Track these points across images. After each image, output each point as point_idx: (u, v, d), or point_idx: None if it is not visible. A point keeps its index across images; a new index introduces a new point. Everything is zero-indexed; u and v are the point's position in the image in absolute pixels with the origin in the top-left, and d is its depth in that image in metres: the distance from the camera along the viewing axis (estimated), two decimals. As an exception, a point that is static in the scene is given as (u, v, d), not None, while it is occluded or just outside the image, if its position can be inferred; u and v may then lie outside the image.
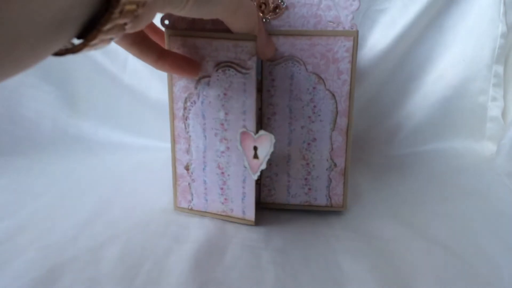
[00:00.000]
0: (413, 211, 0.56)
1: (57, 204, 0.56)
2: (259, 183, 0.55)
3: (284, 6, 0.49)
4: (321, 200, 0.55)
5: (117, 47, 0.71)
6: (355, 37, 0.48)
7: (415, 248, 0.48)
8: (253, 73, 0.46)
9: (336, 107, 0.51)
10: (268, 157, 0.48)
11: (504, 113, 0.73)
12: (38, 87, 0.75)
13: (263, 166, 0.48)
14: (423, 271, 0.44)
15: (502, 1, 0.69)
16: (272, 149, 0.47)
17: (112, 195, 0.58)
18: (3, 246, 0.47)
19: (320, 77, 0.50)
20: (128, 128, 0.76)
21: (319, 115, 0.52)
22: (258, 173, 0.48)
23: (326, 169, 0.53)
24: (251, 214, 0.51)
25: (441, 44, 0.72)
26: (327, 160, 0.53)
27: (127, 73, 0.75)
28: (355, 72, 0.50)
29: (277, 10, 0.49)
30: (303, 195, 0.55)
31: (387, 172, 0.67)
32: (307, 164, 0.54)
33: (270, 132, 0.49)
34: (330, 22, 0.48)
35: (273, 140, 0.47)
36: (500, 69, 0.72)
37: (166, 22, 0.47)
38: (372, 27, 0.71)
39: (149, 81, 0.74)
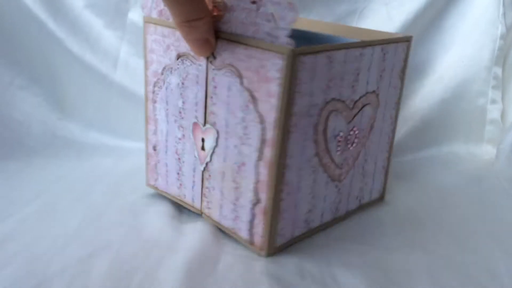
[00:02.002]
0: (412, 219, 0.54)
1: (47, 211, 0.54)
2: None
3: (223, 7, 0.43)
4: (244, 233, 0.48)
5: (106, 46, 0.71)
6: (289, 56, 0.40)
7: (414, 259, 0.47)
8: (204, 66, 0.46)
9: (264, 134, 0.43)
10: (211, 151, 0.48)
11: (503, 116, 0.72)
12: (27, 89, 0.73)
13: (208, 159, 0.49)
14: (421, 282, 0.43)
15: (502, 2, 0.68)
16: (215, 144, 0.47)
17: (104, 201, 0.56)
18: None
19: (253, 95, 0.43)
20: (120, 130, 0.74)
21: (249, 138, 0.44)
22: (204, 165, 0.49)
23: (250, 202, 0.46)
24: (198, 203, 0.52)
25: (440, 45, 0.71)
26: (252, 191, 0.46)
27: (118, 73, 0.73)
28: (288, 102, 0.41)
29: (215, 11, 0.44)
30: (231, 220, 0.49)
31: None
32: (237, 188, 0.47)
33: None
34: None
35: (216, 135, 0.47)
36: (499, 71, 0.71)
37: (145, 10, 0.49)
38: (369, 27, 0.69)
39: (141, 80, 0.72)
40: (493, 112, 0.72)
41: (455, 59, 0.71)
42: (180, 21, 0.36)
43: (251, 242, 0.48)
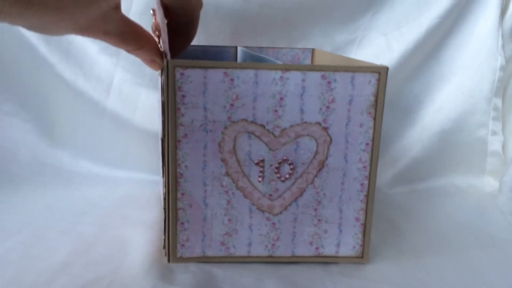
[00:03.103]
0: (415, 254, 0.53)
1: (32, 243, 0.51)
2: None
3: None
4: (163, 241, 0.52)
5: (99, 72, 0.70)
6: (164, 68, 0.44)
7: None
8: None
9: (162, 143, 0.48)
10: None
11: (504, 148, 0.71)
12: (16, 115, 0.71)
13: None
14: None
15: (500, 33, 0.68)
16: None
17: (94, 233, 0.54)
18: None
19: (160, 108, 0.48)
20: (112, 159, 0.72)
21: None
22: None
23: (162, 209, 0.50)
24: None
25: (439, 76, 0.71)
26: (163, 200, 0.50)
27: (110, 100, 0.71)
28: (173, 113, 0.45)
29: (157, 32, 0.48)
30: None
31: (383, 211, 0.64)
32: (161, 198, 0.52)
33: None
34: None
35: None
36: (499, 102, 0.70)
37: None
38: (367, 57, 0.69)
39: (134, 108, 0.71)
40: (494, 144, 0.71)
41: (454, 90, 0.70)
42: (127, 51, 0.42)
43: (164, 247, 0.50)
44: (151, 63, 0.45)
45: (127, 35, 0.40)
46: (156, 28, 0.47)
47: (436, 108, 0.71)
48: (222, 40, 0.69)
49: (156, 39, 0.48)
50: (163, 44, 0.45)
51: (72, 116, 0.72)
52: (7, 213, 0.58)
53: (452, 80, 0.70)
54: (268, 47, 0.68)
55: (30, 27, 0.32)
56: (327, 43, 0.70)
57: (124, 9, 0.67)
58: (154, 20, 0.50)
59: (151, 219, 0.58)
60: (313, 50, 0.69)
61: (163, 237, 0.50)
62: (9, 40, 0.69)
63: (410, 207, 0.65)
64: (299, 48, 0.69)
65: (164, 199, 0.48)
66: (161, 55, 0.45)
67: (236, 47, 0.69)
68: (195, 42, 0.48)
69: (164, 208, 0.48)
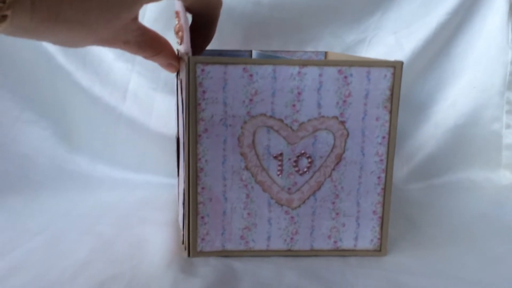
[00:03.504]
0: (433, 246, 0.53)
1: (54, 244, 0.52)
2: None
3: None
4: (182, 236, 0.53)
5: (115, 79, 0.71)
6: (185, 64, 0.45)
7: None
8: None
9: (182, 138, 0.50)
10: None
11: (519, 141, 0.71)
12: (35, 123, 0.72)
13: None
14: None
15: (510, 27, 0.69)
16: None
17: (113, 233, 0.54)
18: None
19: (178, 103, 0.50)
20: (128, 163, 0.73)
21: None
22: None
23: (182, 204, 0.51)
24: None
25: (450, 72, 0.71)
26: (183, 194, 0.50)
27: (126, 105, 0.72)
28: (194, 107, 0.46)
29: (180, 33, 0.49)
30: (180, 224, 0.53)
31: (399, 207, 0.64)
32: (179, 193, 0.53)
33: None
34: None
35: None
36: (512, 95, 0.70)
37: None
38: (378, 56, 0.69)
39: (149, 112, 0.72)
40: (509, 137, 0.71)
41: (466, 85, 0.71)
42: (145, 58, 0.44)
43: (183, 242, 0.51)
44: (168, 66, 0.46)
45: (145, 43, 0.41)
46: (179, 29, 0.49)
47: (449, 103, 0.72)
48: (234, 44, 0.70)
49: (179, 40, 0.50)
50: (185, 44, 0.46)
51: (89, 122, 0.73)
52: (28, 216, 0.58)
53: (464, 75, 0.71)
54: (282, 51, 0.70)
55: (56, 42, 0.33)
56: (338, 44, 0.71)
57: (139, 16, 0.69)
58: (177, 23, 0.51)
59: (169, 219, 0.58)
60: (326, 52, 0.70)
61: (182, 232, 0.51)
62: (27, 49, 0.70)
63: (426, 202, 0.65)
64: (313, 51, 0.70)
65: (184, 194, 0.49)
66: (177, 58, 0.47)
67: (251, 51, 0.70)
68: (208, 46, 0.50)
69: (184, 203, 0.49)
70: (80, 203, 0.63)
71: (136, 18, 0.38)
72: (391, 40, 0.70)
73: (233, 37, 0.69)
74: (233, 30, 0.69)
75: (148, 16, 0.70)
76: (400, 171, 0.72)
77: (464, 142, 0.71)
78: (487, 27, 0.70)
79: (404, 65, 0.66)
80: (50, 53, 0.71)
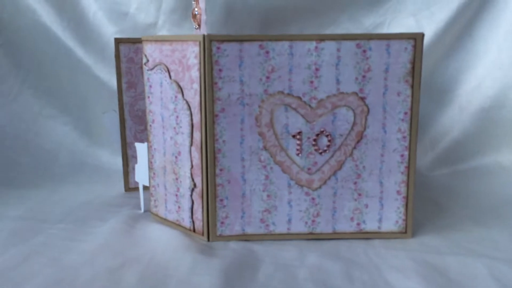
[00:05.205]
0: (461, 228, 0.52)
1: (74, 229, 0.52)
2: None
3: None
4: (186, 222, 0.50)
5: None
6: (200, 42, 0.45)
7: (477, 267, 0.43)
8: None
9: (192, 119, 0.47)
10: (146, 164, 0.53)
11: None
12: (56, 118, 0.74)
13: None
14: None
15: (536, 5, 0.66)
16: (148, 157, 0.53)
17: (132, 218, 0.54)
18: (17, 270, 0.43)
19: (179, 85, 0.48)
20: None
21: (181, 127, 0.49)
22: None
23: (188, 188, 0.49)
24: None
25: (474, 54, 0.69)
26: (189, 178, 0.49)
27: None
28: (210, 86, 0.45)
29: (198, 16, 0.50)
30: (175, 212, 0.52)
31: (425, 193, 0.62)
32: (177, 179, 0.50)
33: (152, 140, 0.52)
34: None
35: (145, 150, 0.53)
36: (539, 75, 0.68)
37: None
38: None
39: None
40: (538, 117, 0.68)
41: (491, 66, 0.68)
42: None
43: (193, 229, 0.50)
44: None
45: None
46: (198, 12, 0.49)
47: (473, 86, 0.69)
48: (251, 30, 0.69)
49: (196, 25, 0.50)
50: (202, 25, 0.47)
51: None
52: (51, 207, 0.59)
53: (488, 56, 0.69)
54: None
55: None
56: (356, 27, 0.69)
57: (154, 7, 0.69)
58: (194, 6, 0.51)
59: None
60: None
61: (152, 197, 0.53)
62: (47, 45, 0.71)
63: (453, 187, 0.64)
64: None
65: (174, 172, 0.50)
66: None
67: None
68: (225, 33, 0.49)
69: (194, 188, 0.48)
70: (100, 195, 0.63)
71: None
72: (411, 22, 0.68)
73: (249, 23, 0.69)
74: (249, 16, 0.68)
75: (164, 8, 0.69)
76: (424, 157, 0.70)
77: (490, 125, 0.69)
78: (511, 5, 0.67)
79: (425, 48, 0.64)
80: (69, 47, 0.71)
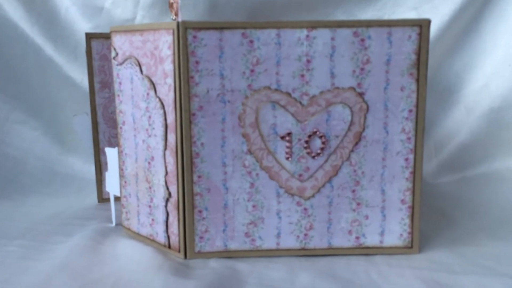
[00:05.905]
0: (473, 241, 0.47)
1: (34, 246, 0.46)
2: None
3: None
4: (161, 237, 0.45)
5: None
6: (174, 30, 0.40)
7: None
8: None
9: (165, 120, 0.42)
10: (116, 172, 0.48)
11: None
12: (24, 123, 0.69)
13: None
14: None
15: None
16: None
17: (98, 236, 0.49)
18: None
19: (151, 81, 0.43)
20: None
21: (154, 128, 0.44)
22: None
23: (163, 198, 0.44)
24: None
25: (481, 50, 0.65)
26: (163, 186, 0.43)
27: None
28: (185, 81, 0.40)
29: (174, 5, 0.46)
30: (148, 226, 0.46)
31: (430, 202, 0.58)
32: (150, 188, 0.45)
33: (123, 144, 0.47)
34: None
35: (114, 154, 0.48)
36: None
37: None
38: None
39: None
40: (550, 119, 0.64)
41: (500, 63, 0.64)
42: None
43: (169, 245, 0.44)
44: None
45: None
46: (174, 1, 0.45)
47: (481, 85, 0.65)
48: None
49: (173, 15, 0.46)
50: (179, 13, 0.44)
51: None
52: (13, 221, 0.54)
53: (496, 53, 0.64)
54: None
55: None
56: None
57: (132, 1, 0.65)
58: None
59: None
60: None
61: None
62: (14, 43, 0.67)
63: (461, 196, 0.60)
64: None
65: (147, 180, 0.45)
66: None
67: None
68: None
69: (169, 198, 0.43)
70: (70, 206, 0.58)
71: None
72: (412, 16, 0.65)
73: (235, 19, 0.64)
74: (234, 11, 0.64)
75: (142, 2, 0.65)
76: (429, 163, 0.66)
77: (500, 128, 0.64)
78: (520, -2, 0.63)
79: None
80: (39, 44, 0.67)
